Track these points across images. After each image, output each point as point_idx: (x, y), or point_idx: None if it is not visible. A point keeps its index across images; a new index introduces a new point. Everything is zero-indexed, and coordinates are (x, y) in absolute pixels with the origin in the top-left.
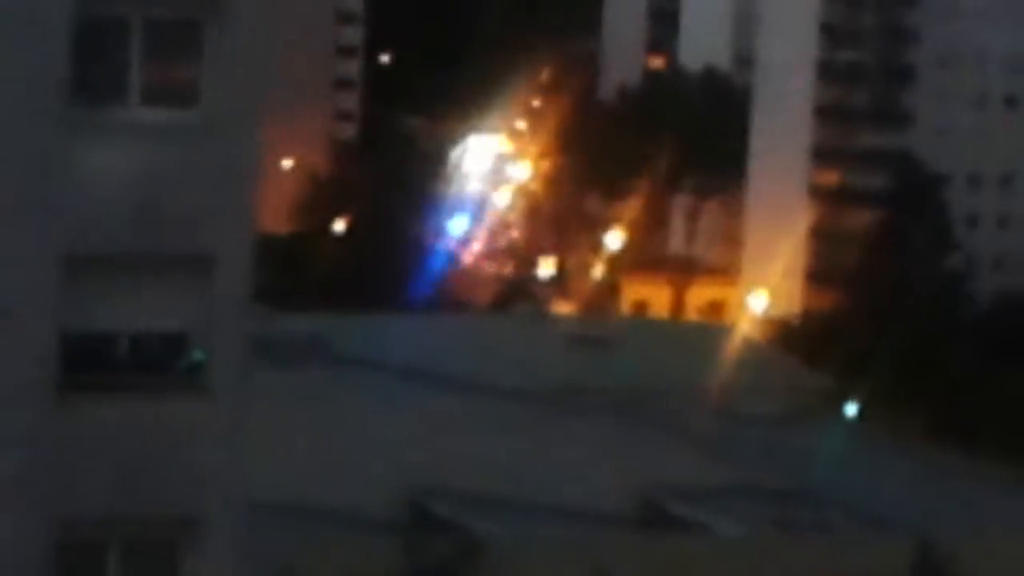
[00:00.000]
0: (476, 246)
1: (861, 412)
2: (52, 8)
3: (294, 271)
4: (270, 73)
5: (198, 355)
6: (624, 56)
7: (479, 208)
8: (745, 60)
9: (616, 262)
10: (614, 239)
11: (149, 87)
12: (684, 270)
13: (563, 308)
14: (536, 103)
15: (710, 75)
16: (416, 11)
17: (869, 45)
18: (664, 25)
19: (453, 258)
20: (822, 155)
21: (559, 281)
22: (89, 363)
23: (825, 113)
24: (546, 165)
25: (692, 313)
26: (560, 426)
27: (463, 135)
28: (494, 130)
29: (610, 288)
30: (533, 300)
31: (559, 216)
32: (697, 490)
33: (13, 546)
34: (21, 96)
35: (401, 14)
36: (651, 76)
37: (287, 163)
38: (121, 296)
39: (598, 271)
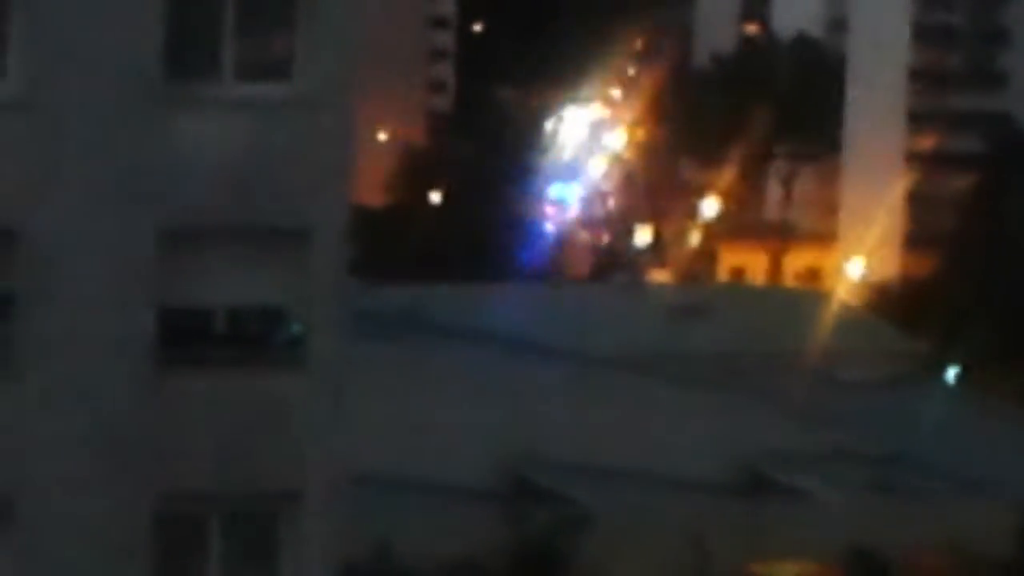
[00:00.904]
0: (572, 215)
1: (961, 376)
2: None
3: (390, 243)
4: (363, 45)
5: (296, 328)
6: (718, 23)
7: (574, 177)
8: (839, 25)
9: (712, 229)
10: (710, 206)
11: (243, 62)
12: (781, 236)
13: (660, 276)
14: (631, 71)
15: (803, 41)
16: None
17: (963, 7)
18: None
19: (549, 228)
20: (917, 118)
21: (656, 249)
22: (187, 338)
23: (920, 76)
24: (641, 133)
25: (789, 279)
26: (659, 394)
27: (557, 104)
28: (589, 99)
29: (707, 255)
30: (630, 269)
31: (655, 184)
32: (797, 456)
33: (116, 520)
34: (117, 73)
35: None
36: (745, 43)
37: (382, 135)
38: (218, 270)
39: (694, 238)
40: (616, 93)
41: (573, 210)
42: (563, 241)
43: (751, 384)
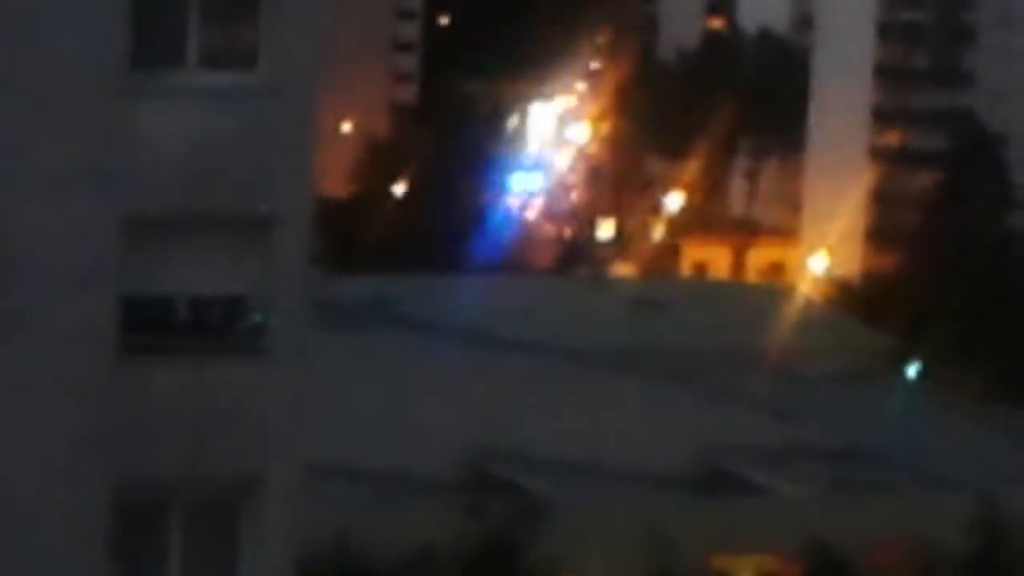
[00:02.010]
0: (536, 208)
1: (922, 372)
2: None
3: (354, 233)
4: (328, 35)
5: (258, 318)
6: (683, 18)
7: (539, 170)
8: (804, 21)
9: (676, 224)
10: (674, 201)
11: (208, 50)
12: (744, 231)
13: (623, 270)
14: (595, 65)
15: (768, 36)
16: None
17: (929, 5)
18: None
19: (513, 220)
20: (882, 115)
21: (619, 243)
22: (150, 326)
23: (885, 73)
24: (605, 127)
25: (752, 274)
26: (620, 388)
27: (522, 97)
28: (553, 93)
29: (670, 250)
30: (593, 262)
31: (618, 178)
32: (758, 451)
33: (76, 508)
34: (81, 61)
35: None
36: (710, 38)
37: (346, 126)
38: (181, 259)
39: (658, 233)
40: (581, 87)
41: (537, 202)
42: (527, 234)
43: (713, 379)
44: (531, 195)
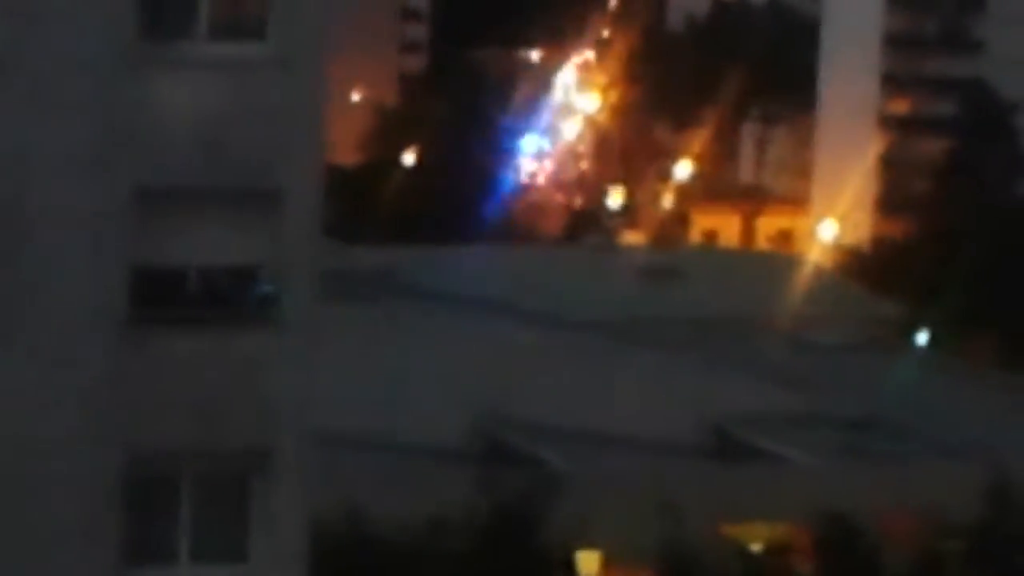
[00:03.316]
0: (545, 177)
1: (933, 340)
2: None
3: (364, 203)
4: (337, 6)
5: (268, 288)
6: None
7: (548, 139)
8: None
9: (685, 192)
10: (683, 169)
11: (217, 21)
12: (754, 199)
13: (633, 238)
14: (605, 33)
15: (777, 3)
16: None
17: None
18: None
19: (522, 190)
20: (892, 82)
21: (628, 211)
22: (160, 297)
23: (895, 40)
24: (615, 95)
25: (762, 242)
26: (630, 357)
27: (532, 66)
28: (563, 61)
29: (679, 218)
30: (602, 231)
31: (628, 146)
32: (769, 420)
33: (87, 479)
34: (92, 32)
35: None
36: (719, 5)
37: (355, 95)
38: (192, 230)
39: (667, 201)
40: (591, 55)
41: (546, 172)
42: (536, 203)
43: (723, 347)
44: (541, 164)
